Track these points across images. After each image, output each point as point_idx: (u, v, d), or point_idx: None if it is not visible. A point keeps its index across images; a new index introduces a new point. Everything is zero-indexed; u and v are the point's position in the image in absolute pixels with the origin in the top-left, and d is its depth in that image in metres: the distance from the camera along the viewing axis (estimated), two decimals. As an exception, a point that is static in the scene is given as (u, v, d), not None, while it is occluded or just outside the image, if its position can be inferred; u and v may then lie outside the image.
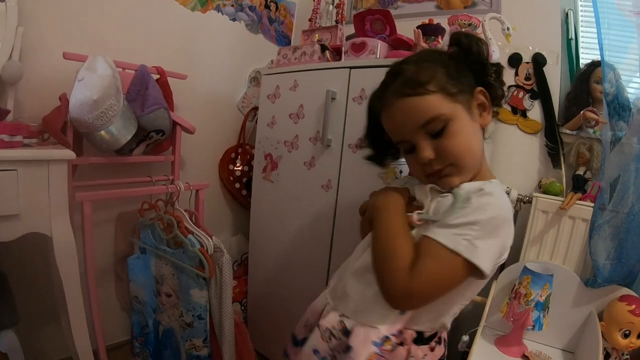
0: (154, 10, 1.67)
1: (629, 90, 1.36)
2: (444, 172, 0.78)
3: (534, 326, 1.26)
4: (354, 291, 0.85)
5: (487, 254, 0.69)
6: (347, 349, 0.79)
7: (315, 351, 0.87)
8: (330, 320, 0.86)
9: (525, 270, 1.31)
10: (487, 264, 0.69)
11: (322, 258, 1.56)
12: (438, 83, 0.75)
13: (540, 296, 1.27)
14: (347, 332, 0.82)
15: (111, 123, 1.30)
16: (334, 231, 1.53)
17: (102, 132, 1.30)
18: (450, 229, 0.70)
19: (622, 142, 1.30)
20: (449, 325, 0.86)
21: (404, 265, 0.71)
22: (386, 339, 0.78)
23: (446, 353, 0.89)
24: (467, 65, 0.80)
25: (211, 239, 1.41)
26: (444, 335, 0.88)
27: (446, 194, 0.78)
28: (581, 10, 1.60)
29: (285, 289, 1.75)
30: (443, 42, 1.37)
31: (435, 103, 0.74)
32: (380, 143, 0.93)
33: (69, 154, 1.14)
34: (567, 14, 1.59)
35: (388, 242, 0.77)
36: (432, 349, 0.84)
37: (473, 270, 0.70)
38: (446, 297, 0.74)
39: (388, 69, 0.85)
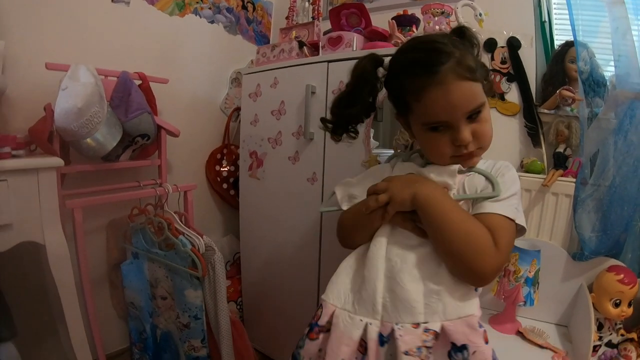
0: (133, 16, 1.68)
1: (605, 68, 1.38)
2: (474, 154, 0.85)
3: (525, 302, 1.28)
4: (417, 291, 0.73)
5: (523, 215, 0.82)
6: (461, 348, 0.68)
7: None
8: (410, 337, 0.69)
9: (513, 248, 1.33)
10: (522, 218, 0.81)
11: (312, 250, 1.58)
12: (480, 72, 0.80)
13: (529, 272, 1.28)
14: (437, 336, 0.70)
15: (96, 130, 1.30)
16: (322, 223, 1.55)
17: (88, 140, 1.30)
18: (504, 201, 0.79)
19: (599, 118, 1.31)
20: None
21: (490, 244, 0.73)
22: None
23: None
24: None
25: (202, 238, 1.42)
26: None
27: (469, 173, 0.86)
28: (552, -8, 1.62)
29: (279, 284, 1.77)
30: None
31: (480, 90, 0.81)
32: (359, 107, 0.95)
33: (58, 161, 1.16)
34: None
35: (465, 227, 0.74)
36: None
37: (519, 232, 0.81)
38: None
39: (411, 40, 0.93)
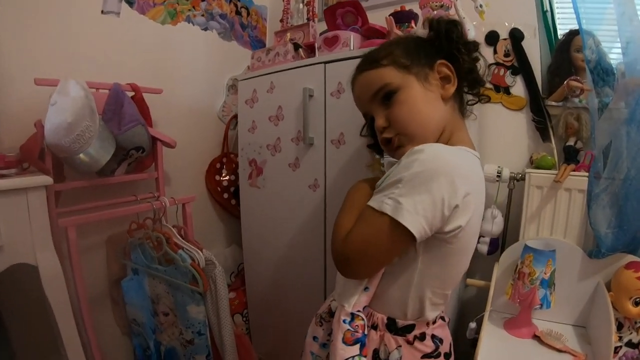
0: (124, 27, 1.64)
1: (611, 56, 1.34)
2: (396, 143, 0.82)
3: (541, 305, 1.24)
4: (338, 275, 0.87)
5: (413, 210, 0.66)
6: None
7: (315, 338, 0.94)
8: (323, 306, 0.96)
9: (527, 248, 1.28)
10: (413, 222, 0.66)
11: (317, 258, 1.54)
12: (392, 58, 0.81)
13: (545, 273, 1.24)
14: (332, 314, 0.87)
15: (89, 145, 1.27)
16: (326, 230, 1.50)
17: (81, 155, 1.27)
18: (380, 192, 0.73)
19: (609, 108, 1.28)
20: (430, 317, 0.82)
21: (340, 235, 0.76)
22: (353, 315, 0.79)
23: (444, 351, 0.86)
24: (437, 46, 0.85)
25: (202, 252, 1.38)
26: (433, 331, 0.84)
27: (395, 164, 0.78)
28: (553, -19, 1.58)
29: (285, 293, 1.72)
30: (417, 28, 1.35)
31: (386, 74, 0.81)
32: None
33: (46, 179, 1.12)
34: None
35: (339, 218, 0.82)
36: (409, 342, 0.81)
37: (403, 230, 0.67)
38: (402, 275, 0.78)
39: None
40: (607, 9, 1.36)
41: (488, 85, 1.62)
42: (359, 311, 0.80)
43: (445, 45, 0.84)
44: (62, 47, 1.46)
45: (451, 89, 0.83)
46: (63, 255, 1.26)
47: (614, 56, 1.34)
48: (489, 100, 0.88)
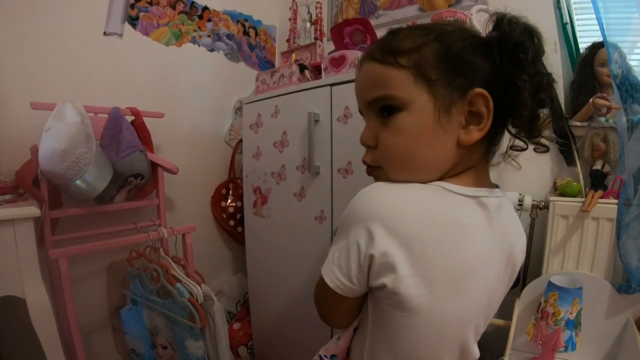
0: (126, 49, 1.61)
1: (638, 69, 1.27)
2: (374, 175, 0.65)
3: (566, 347, 1.15)
4: None
5: (331, 258, 0.59)
6: None
7: None
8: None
9: (551, 285, 1.19)
10: (327, 270, 0.59)
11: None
12: (417, 58, 0.56)
13: (571, 313, 1.16)
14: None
15: (84, 172, 1.22)
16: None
17: (77, 182, 1.23)
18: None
19: None
20: None
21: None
22: (321, 357, 0.74)
23: None
24: (492, 60, 0.57)
25: (200, 286, 1.30)
26: None
27: None
28: (573, -9, 1.52)
29: (291, 327, 1.64)
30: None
31: (395, 80, 0.57)
32: None
33: (34, 211, 1.07)
34: None
35: None
36: None
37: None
38: (360, 333, 0.67)
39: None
40: (632, 18, 1.30)
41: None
42: (325, 356, 0.73)
43: (506, 65, 0.56)
44: (62, 69, 1.44)
45: (476, 134, 0.57)
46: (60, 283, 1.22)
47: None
48: (547, 150, 0.65)
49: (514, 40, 0.55)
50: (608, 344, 1.25)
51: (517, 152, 0.66)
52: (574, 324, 1.15)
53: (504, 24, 0.57)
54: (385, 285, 0.54)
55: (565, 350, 1.15)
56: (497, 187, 0.66)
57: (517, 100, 0.56)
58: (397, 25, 0.65)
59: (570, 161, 1.44)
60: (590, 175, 1.37)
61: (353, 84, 1.23)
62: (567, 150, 1.44)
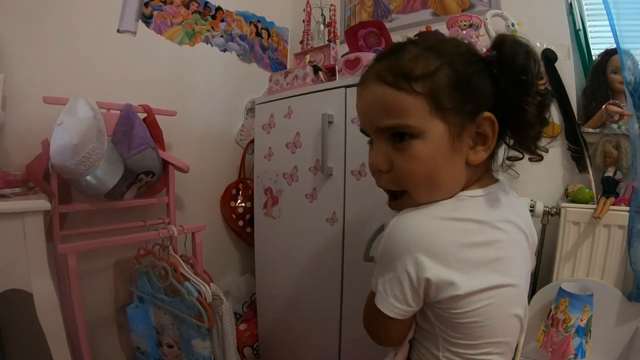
0: (140, 47, 1.62)
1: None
2: (400, 202, 0.66)
3: (575, 355, 1.15)
4: None
5: (383, 290, 0.62)
6: None
7: None
8: None
9: (562, 292, 1.18)
10: (384, 303, 0.62)
11: (333, 296, 1.44)
12: (431, 86, 0.57)
13: (581, 320, 1.15)
14: None
15: (95, 167, 1.22)
16: (343, 268, 1.40)
17: (88, 177, 1.22)
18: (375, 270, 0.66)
19: None
20: None
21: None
22: None
23: None
24: (494, 80, 0.60)
25: (209, 285, 1.30)
26: None
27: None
28: (584, -2, 1.52)
29: (298, 329, 1.62)
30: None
31: (411, 108, 0.58)
32: None
33: (44, 204, 1.06)
34: (570, 4, 1.51)
35: None
36: None
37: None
38: (426, 342, 0.67)
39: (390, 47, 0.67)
40: None
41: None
42: None
43: (510, 88, 0.58)
44: (75, 65, 1.44)
45: (482, 154, 0.61)
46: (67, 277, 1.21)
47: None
48: (540, 159, 0.65)
49: (519, 64, 0.57)
50: (617, 352, 1.24)
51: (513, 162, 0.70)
52: (584, 331, 1.15)
53: (507, 46, 0.59)
54: (447, 296, 0.57)
55: (575, 358, 1.14)
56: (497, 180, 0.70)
57: (523, 122, 0.59)
58: (400, 39, 0.67)
59: (582, 168, 1.43)
60: (601, 182, 1.36)
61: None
62: (579, 157, 1.43)
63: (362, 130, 0.69)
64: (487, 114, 0.58)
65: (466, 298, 0.57)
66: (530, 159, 0.66)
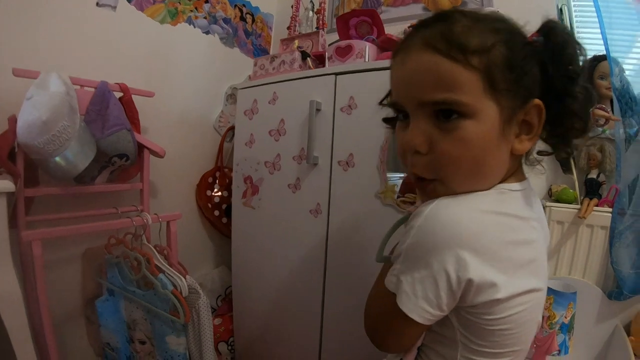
0: (119, 23, 1.52)
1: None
2: (430, 190, 0.58)
3: (559, 351, 1.16)
4: None
5: (411, 292, 0.54)
6: None
7: None
8: None
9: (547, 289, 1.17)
10: (411, 306, 0.54)
11: (314, 290, 1.40)
12: (487, 63, 0.52)
13: (565, 317, 1.16)
14: None
15: (65, 148, 1.14)
16: (326, 261, 1.36)
17: (57, 159, 1.14)
18: (392, 268, 0.60)
19: (638, 140, 1.24)
20: None
21: (366, 309, 0.68)
22: None
23: None
24: (542, 66, 0.55)
25: (185, 278, 1.23)
26: None
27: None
28: (574, 5, 1.54)
29: (276, 324, 1.58)
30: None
31: (467, 84, 0.51)
32: None
33: (8, 185, 0.99)
34: (560, 10, 1.53)
35: (374, 287, 0.70)
36: None
37: (405, 315, 0.55)
38: (442, 348, 0.62)
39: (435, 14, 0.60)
40: (637, 36, 1.33)
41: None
42: None
43: (558, 76, 0.55)
44: (50, 39, 1.35)
45: (527, 143, 0.57)
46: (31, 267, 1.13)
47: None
48: (569, 156, 0.65)
49: (569, 53, 0.55)
50: (597, 348, 1.27)
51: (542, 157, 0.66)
52: (568, 328, 1.16)
53: (558, 34, 0.55)
54: (486, 300, 0.53)
55: (558, 354, 1.16)
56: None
57: (569, 112, 0.56)
58: (393, 32, 0.66)
59: (566, 169, 1.44)
60: (585, 183, 1.38)
61: (359, 74, 1.23)
62: (563, 158, 1.44)
63: (394, 104, 0.61)
64: (537, 101, 0.55)
65: (504, 302, 0.53)
66: (556, 156, 0.63)
